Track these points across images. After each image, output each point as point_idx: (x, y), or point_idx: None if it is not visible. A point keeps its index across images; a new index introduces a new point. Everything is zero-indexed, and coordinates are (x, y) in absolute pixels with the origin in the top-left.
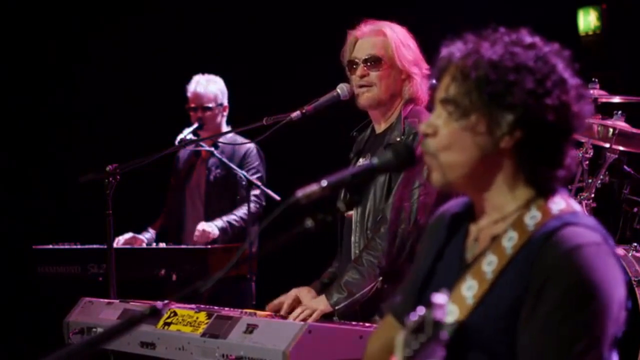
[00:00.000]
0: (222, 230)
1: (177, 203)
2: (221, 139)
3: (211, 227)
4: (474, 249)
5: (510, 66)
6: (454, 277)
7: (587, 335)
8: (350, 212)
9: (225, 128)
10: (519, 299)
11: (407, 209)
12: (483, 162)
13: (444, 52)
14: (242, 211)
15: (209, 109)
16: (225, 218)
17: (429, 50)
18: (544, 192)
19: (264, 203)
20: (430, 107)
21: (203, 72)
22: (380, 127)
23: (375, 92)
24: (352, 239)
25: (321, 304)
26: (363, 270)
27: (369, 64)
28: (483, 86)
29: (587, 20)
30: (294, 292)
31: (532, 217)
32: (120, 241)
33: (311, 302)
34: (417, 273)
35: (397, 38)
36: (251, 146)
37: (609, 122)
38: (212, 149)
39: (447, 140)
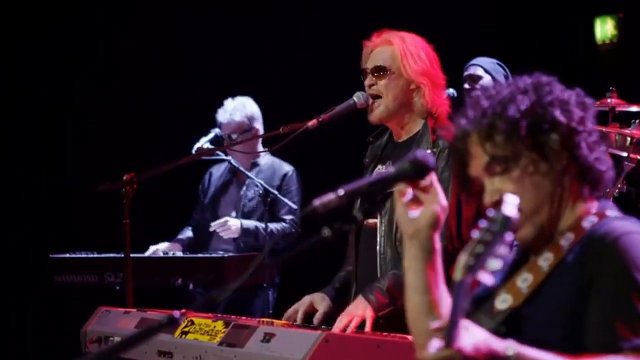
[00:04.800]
0: (246, 230)
1: (209, 218)
2: (237, 148)
3: (235, 223)
4: (534, 255)
5: (519, 96)
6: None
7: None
8: (372, 222)
9: (260, 148)
10: (571, 289)
11: (452, 225)
12: (555, 188)
13: (456, 131)
14: (274, 226)
15: (235, 138)
16: (255, 222)
17: (446, 62)
18: (602, 206)
19: (299, 228)
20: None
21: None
22: (401, 137)
23: (383, 104)
24: (378, 249)
25: (367, 310)
26: None
27: (376, 74)
28: (515, 126)
29: (604, 29)
30: (307, 299)
31: (590, 222)
32: (157, 252)
33: (353, 308)
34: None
35: (405, 48)
36: (291, 170)
37: (626, 131)
38: (229, 158)
39: (517, 192)
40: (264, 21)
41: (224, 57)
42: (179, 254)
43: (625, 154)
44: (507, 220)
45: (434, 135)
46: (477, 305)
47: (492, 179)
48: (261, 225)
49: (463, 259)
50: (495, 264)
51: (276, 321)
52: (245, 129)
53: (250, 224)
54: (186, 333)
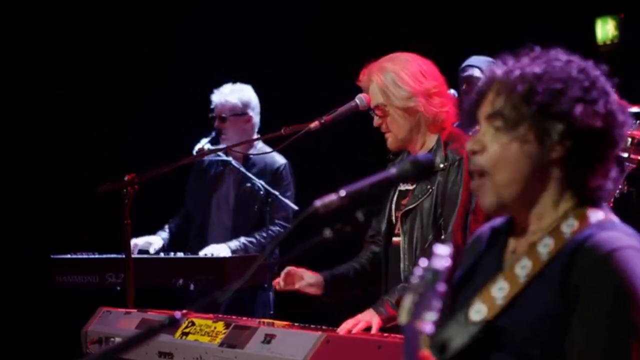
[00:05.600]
0: (234, 252)
1: (201, 210)
2: (239, 148)
3: (220, 250)
4: (512, 260)
5: (556, 77)
6: (489, 279)
7: (635, 340)
8: (396, 239)
9: (255, 136)
10: (552, 305)
11: (459, 237)
12: (534, 174)
13: (486, 72)
14: (263, 234)
15: (224, 118)
16: (242, 239)
17: (444, 61)
18: (588, 201)
19: (290, 226)
20: (461, 124)
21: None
22: (417, 153)
23: (391, 137)
24: (401, 266)
25: (375, 318)
26: None
27: (378, 112)
28: (531, 98)
29: (605, 29)
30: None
31: (569, 225)
32: (136, 246)
33: (361, 316)
34: (452, 283)
35: (384, 80)
36: (283, 163)
37: (627, 132)
38: (230, 158)
39: (497, 155)
40: (266, 22)
41: (225, 57)
42: (180, 254)
43: (625, 155)
44: (436, 273)
45: (445, 150)
46: (451, 312)
47: (486, 129)
48: (248, 240)
49: (407, 302)
50: (430, 316)
51: (276, 322)
52: (238, 112)
53: (238, 244)
54: (186, 334)
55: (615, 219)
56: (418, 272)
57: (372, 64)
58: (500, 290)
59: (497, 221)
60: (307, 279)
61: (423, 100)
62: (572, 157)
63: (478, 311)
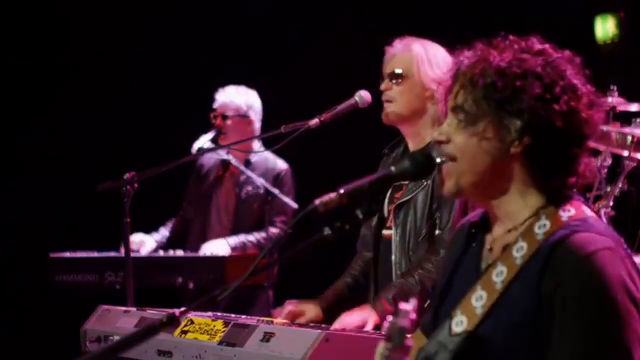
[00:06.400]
0: (234, 249)
1: (200, 213)
2: (238, 147)
3: (220, 247)
4: (488, 260)
5: (518, 73)
6: (469, 287)
7: (617, 346)
8: (387, 233)
9: (255, 142)
10: (529, 310)
11: None
12: (494, 169)
13: (454, 61)
14: (262, 235)
15: (227, 117)
16: (242, 237)
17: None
18: (556, 199)
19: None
20: None
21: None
22: (415, 145)
23: (393, 107)
24: (393, 259)
25: (372, 315)
26: (414, 287)
27: (393, 80)
28: (491, 93)
29: (605, 28)
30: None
31: (542, 226)
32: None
33: (360, 313)
34: (438, 285)
35: (424, 55)
36: (285, 169)
37: (627, 130)
38: (230, 157)
39: (462, 146)
40: (265, 20)
41: (225, 56)
42: (180, 253)
43: (626, 153)
44: (403, 331)
45: None
46: (434, 327)
47: (451, 120)
48: (249, 238)
49: (380, 350)
50: None
51: (276, 320)
52: (241, 113)
53: (237, 241)
54: (186, 332)
55: (588, 212)
56: (387, 325)
57: (411, 37)
58: (479, 300)
59: (475, 215)
60: (308, 317)
61: (441, 92)
62: (531, 154)
63: (459, 323)
